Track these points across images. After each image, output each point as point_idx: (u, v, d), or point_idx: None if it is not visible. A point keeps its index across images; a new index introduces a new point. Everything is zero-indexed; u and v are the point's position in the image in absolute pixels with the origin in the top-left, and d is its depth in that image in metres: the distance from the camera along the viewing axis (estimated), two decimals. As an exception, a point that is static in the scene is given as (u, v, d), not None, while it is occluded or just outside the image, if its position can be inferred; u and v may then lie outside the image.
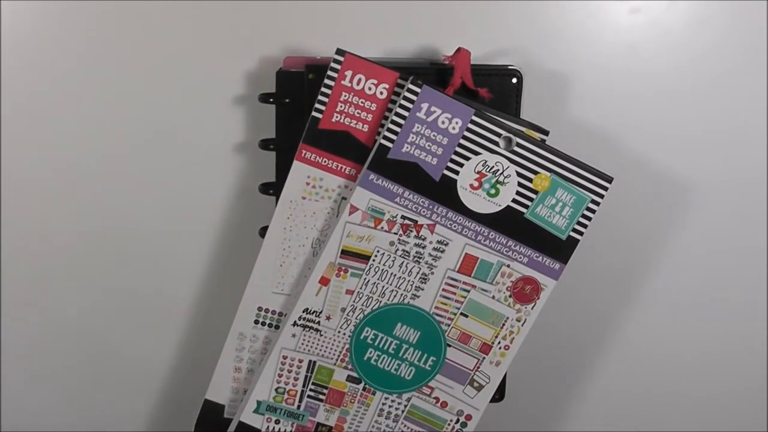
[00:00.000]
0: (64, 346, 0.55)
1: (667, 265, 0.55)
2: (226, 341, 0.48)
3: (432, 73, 0.47)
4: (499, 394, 0.50)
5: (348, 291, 0.46)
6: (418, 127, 0.43)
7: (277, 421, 0.48)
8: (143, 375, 0.56)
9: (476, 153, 0.43)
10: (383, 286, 0.46)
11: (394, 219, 0.45)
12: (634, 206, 0.53)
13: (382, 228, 0.45)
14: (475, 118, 0.43)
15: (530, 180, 0.44)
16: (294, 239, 0.46)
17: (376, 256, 0.45)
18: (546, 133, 0.46)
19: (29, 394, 0.56)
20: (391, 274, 0.46)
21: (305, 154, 0.45)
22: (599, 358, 0.57)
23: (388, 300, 0.46)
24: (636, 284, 0.55)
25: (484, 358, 0.47)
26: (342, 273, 0.45)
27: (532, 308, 0.46)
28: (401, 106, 0.43)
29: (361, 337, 0.47)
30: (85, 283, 0.54)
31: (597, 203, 0.45)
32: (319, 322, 0.46)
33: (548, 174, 0.44)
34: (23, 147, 0.51)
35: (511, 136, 0.43)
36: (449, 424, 0.48)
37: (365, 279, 0.46)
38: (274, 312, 0.47)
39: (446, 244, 0.45)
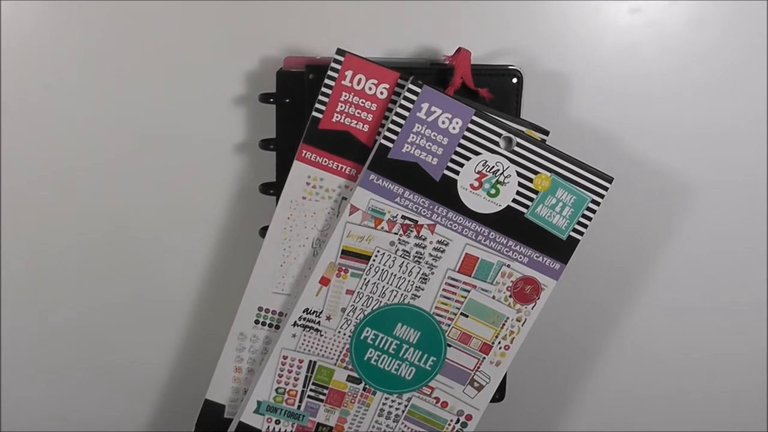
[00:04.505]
0: (64, 346, 0.55)
1: (667, 265, 0.55)
2: (226, 341, 0.48)
3: (432, 73, 0.47)
4: (500, 394, 0.50)
5: (348, 291, 0.46)
6: (418, 127, 0.43)
7: (278, 422, 0.48)
8: (143, 375, 0.56)
9: (476, 153, 0.43)
10: (383, 286, 0.46)
11: (395, 219, 0.45)
12: (634, 206, 0.53)
13: (382, 228, 0.45)
14: (475, 118, 0.43)
15: (530, 180, 0.44)
16: (294, 239, 0.46)
17: (376, 256, 0.45)
18: (546, 133, 0.46)
19: (29, 394, 0.56)
20: (392, 274, 0.46)
21: (305, 154, 0.45)
22: (599, 358, 0.57)
23: (389, 300, 0.46)
24: (636, 284, 0.55)
25: (484, 358, 0.47)
26: (342, 273, 0.45)
27: (533, 308, 0.46)
28: (401, 106, 0.43)
29: (362, 337, 0.47)
30: (85, 283, 0.54)
31: (597, 203, 0.45)
32: (319, 322, 0.46)
33: (548, 174, 0.44)
34: (23, 147, 0.51)
35: (511, 136, 0.43)
36: (449, 425, 0.48)
37: (365, 279, 0.46)
38: (274, 312, 0.47)
39: (446, 244, 0.45)
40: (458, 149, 0.43)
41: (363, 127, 0.44)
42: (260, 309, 0.47)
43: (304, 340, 0.47)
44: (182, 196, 0.52)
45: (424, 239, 0.45)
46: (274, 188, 0.48)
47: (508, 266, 0.45)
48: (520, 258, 0.45)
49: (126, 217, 0.53)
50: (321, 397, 0.48)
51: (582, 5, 0.50)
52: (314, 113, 0.44)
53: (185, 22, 0.49)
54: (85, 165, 0.51)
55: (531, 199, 0.44)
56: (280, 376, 0.47)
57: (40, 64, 0.49)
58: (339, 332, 0.47)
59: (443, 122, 0.43)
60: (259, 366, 0.48)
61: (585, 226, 0.45)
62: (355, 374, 0.47)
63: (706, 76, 0.51)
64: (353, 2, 0.49)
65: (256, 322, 0.47)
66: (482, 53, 0.49)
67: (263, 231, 0.47)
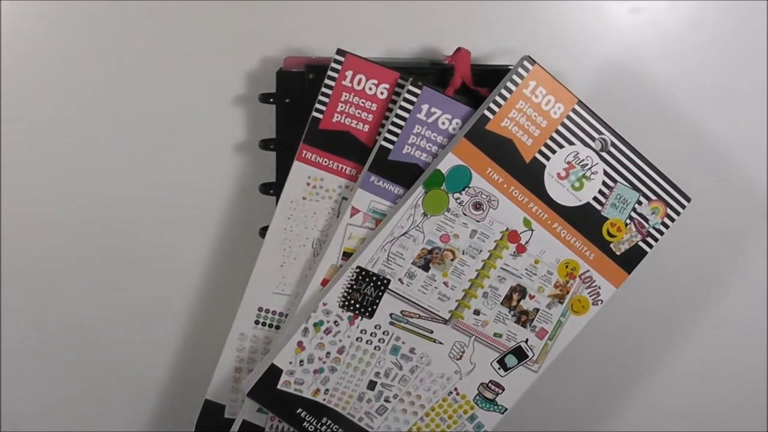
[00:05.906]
0: (64, 346, 0.55)
1: (667, 266, 0.55)
2: (226, 341, 0.48)
3: (432, 73, 0.47)
4: None
5: (349, 291, 0.46)
6: (418, 128, 0.43)
7: (281, 420, 0.48)
8: (143, 375, 0.56)
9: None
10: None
11: (395, 219, 0.45)
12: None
13: (382, 228, 0.45)
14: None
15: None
16: (294, 239, 0.46)
17: (376, 256, 0.45)
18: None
19: (29, 394, 0.56)
20: (392, 274, 0.46)
21: (306, 154, 0.45)
22: (600, 358, 0.57)
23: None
24: (635, 287, 0.55)
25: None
26: (343, 273, 0.45)
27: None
28: (401, 108, 0.43)
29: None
30: (85, 283, 0.54)
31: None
32: (319, 323, 0.46)
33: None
34: (24, 147, 0.51)
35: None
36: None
37: (366, 279, 0.46)
38: (274, 312, 0.47)
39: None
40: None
41: (363, 127, 0.44)
42: (260, 309, 0.47)
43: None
44: (182, 195, 0.52)
45: (425, 239, 0.45)
46: (274, 188, 0.48)
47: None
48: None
49: (126, 216, 0.53)
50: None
51: (582, 5, 0.50)
52: (314, 113, 0.44)
53: (186, 23, 0.49)
54: (85, 164, 0.51)
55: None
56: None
57: (40, 64, 0.49)
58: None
59: (443, 123, 0.43)
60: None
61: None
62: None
63: (705, 75, 0.51)
64: (353, 2, 0.49)
65: (256, 322, 0.47)
66: (482, 53, 0.49)
67: (263, 231, 0.47)
